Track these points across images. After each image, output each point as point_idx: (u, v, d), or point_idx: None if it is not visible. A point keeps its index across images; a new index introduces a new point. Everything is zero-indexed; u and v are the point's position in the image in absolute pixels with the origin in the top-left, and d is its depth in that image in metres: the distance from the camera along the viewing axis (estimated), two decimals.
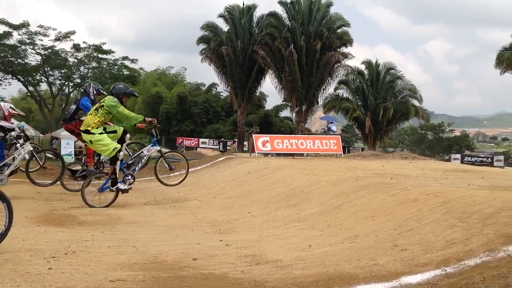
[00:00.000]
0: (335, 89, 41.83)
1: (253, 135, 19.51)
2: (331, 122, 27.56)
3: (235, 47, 39.59)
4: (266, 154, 15.07)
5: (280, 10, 39.17)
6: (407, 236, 5.55)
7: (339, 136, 18.93)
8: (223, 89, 51.01)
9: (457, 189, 7.13)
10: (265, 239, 6.52)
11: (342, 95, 42.00)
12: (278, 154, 14.63)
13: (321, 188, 8.94)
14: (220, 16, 41.46)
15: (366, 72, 42.25)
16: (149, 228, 7.31)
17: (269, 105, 58.55)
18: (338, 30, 39.30)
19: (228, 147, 38.18)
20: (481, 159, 52.43)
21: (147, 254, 5.54)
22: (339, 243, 5.86)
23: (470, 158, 51.99)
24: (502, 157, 51.61)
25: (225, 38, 40.42)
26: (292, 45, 37.16)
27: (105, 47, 41.59)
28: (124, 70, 42.93)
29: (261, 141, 14.62)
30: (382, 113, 39.49)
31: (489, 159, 51.74)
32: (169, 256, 5.47)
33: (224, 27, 41.68)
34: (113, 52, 42.03)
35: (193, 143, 47.64)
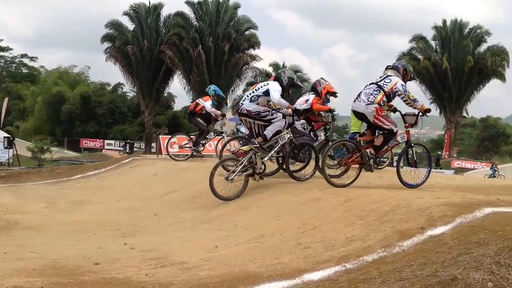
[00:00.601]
0: (244, 90, 42.19)
1: (160, 136, 19.25)
2: (240, 124, 27.75)
3: (142, 46, 38.90)
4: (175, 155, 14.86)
5: (187, 10, 39.06)
6: (310, 234, 5.68)
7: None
8: (129, 89, 49.94)
9: (357, 188, 7.41)
10: (171, 241, 6.45)
11: None
12: (187, 155, 14.47)
13: None
14: (125, 14, 40.48)
15: (274, 74, 42.93)
16: (49, 233, 7.01)
17: (178, 106, 57.86)
18: (246, 32, 39.77)
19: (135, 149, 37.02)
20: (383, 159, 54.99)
21: (46, 260, 5.30)
22: (245, 243, 5.90)
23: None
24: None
25: (131, 37, 39.60)
26: (200, 45, 37.10)
27: (2, 44, 39.46)
28: (23, 68, 40.90)
29: (169, 142, 14.40)
30: None
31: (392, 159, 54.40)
32: (70, 261, 5.26)
33: (130, 25, 40.83)
34: (10, 49, 40.05)
35: (97, 144, 46.01)
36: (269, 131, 8.56)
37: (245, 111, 8.68)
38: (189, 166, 12.47)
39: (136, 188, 11.19)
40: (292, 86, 9.03)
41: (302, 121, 9.73)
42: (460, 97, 44.98)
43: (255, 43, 39.79)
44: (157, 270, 4.93)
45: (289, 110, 8.65)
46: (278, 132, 8.67)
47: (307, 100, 9.97)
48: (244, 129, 27.38)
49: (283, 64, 43.42)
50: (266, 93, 8.58)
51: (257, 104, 8.64)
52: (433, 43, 46.38)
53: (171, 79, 41.85)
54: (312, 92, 10.17)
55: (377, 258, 4.48)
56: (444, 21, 46.26)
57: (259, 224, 6.67)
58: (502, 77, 43.76)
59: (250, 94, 8.84)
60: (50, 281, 4.37)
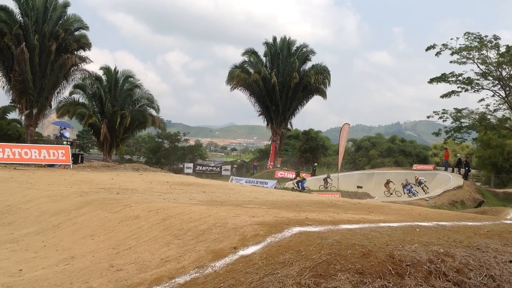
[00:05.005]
0: (71, 93, 40.24)
1: None
2: (64, 128, 26.44)
3: None
4: None
5: (12, 5, 36.26)
6: (124, 255, 5.50)
7: (68, 146, 18.04)
8: None
9: (178, 205, 7.35)
10: None
11: (78, 100, 40.56)
12: None
13: (41, 205, 8.39)
14: None
15: (104, 78, 41.51)
16: None
17: None
18: (76, 33, 38.10)
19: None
20: (211, 168, 56.30)
21: None
22: (54, 266, 5.54)
23: (201, 167, 55.32)
24: (229, 167, 56.20)
25: None
26: (24, 43, 34.66)
27: None
28: None
29: None
30: (119, 120, 39.25)
31: (218, 168, 55.89)
32: None
33: None
34: None
35: None
36: None
37: None
38: None
39: None
40: None
41: None
42: (285, 110, 47.85)
43: (85, 44, 38.21)
44: None
45: None
46: None
47: None
48: (67, 134, 26.20)
49: (115, 68, 42.14)
50: None
51: None
52: (264, 58, 48.76)
53: None
54: None
55: (189, 279, 4.46)
56: (274, 38, 48.99)
57: (71, 244, 6.32)
58: (323, 94, 47.61)
59: None
60: None
